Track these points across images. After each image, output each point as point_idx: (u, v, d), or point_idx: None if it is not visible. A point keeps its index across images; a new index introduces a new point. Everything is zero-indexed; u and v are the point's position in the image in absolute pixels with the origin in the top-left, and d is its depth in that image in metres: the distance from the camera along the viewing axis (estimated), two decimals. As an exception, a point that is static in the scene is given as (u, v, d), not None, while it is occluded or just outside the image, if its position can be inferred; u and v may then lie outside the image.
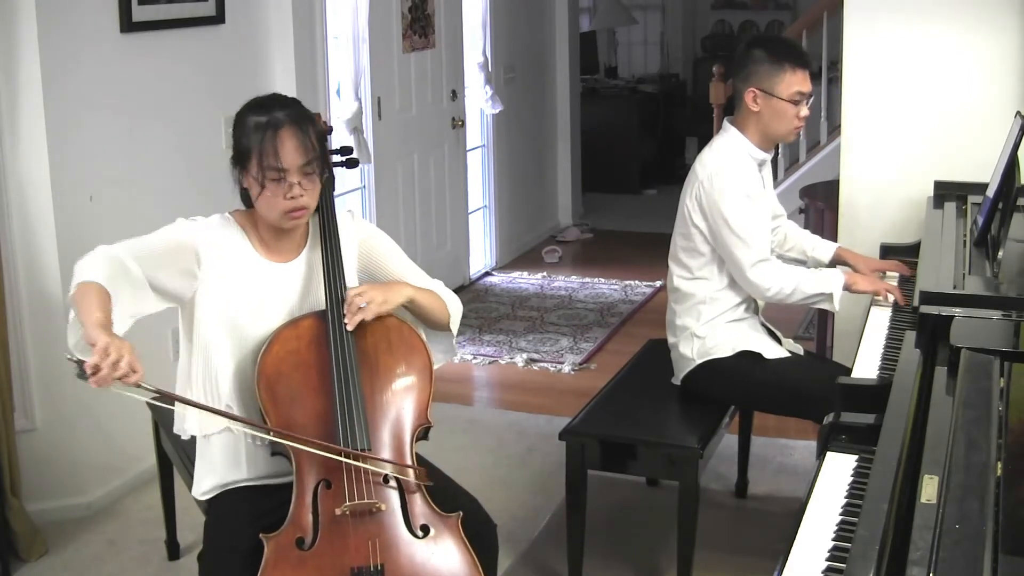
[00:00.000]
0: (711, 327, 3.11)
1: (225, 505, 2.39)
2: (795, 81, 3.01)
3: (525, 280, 6.58)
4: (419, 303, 2.45)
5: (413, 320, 2.50)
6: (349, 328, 2.32)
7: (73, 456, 3.61)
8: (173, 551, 3.36)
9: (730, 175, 3.02)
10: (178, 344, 2.37)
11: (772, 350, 3.12)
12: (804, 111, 3.05)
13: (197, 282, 2.33)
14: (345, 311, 2.33)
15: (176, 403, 2.33)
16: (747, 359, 3.09)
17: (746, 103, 3.06)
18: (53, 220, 3.45)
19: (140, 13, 3.68)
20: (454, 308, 2.55)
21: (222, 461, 2.40)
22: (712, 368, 3.12)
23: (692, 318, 3.14)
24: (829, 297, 3.03)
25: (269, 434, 2.27)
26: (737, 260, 3.02)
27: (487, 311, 5.89)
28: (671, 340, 3.22)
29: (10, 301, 3.40)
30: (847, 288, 3.05)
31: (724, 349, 3.11)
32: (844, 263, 3.28)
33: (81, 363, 1.99)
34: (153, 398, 2.20)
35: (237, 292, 2.35)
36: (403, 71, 5.58)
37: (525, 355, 5.17)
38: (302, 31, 4.52)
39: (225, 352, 2.35)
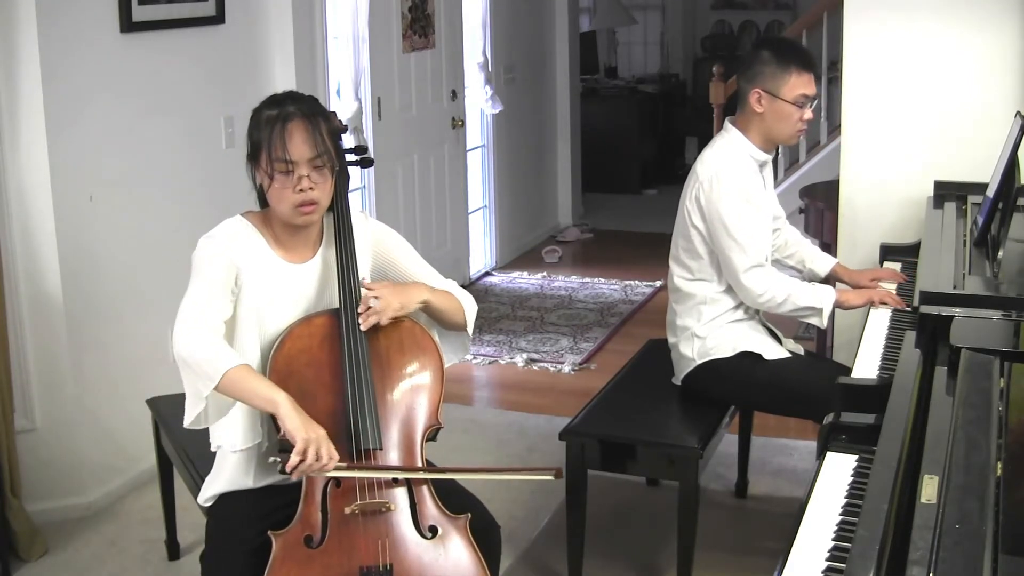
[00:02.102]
0: (712, 327, 3.11)
1: (228, 505, 2.39)
2: (800, 84, 3.00)
3: (525, 280, 6.57)
4: (435, 306, 2.44)
5: (427, 321, 2.49)
6: (363, 329, 2.32)
7: (73, 456, 3.61)
8: (173, 551, 3.36)
9: (731, 178, 3.01)
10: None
11: (772, 350, 3.12)
12: (808, 114, 3.04)
13: (234, 295, 2.33)
14: (360, 310, 2.33)
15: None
16: (747, 359, 3.09)
17: (750, 104, 3.05)
18: (53, 220, 3.45)
19: (140, 13, 3.68)
20: (469, 308, 2.54)
21: (233, 471, 2.39)
22: (712, 368, 3.12)
23: (693, 318, 3.13)
24: (819, 312, 3.03)
25: (351, 471, 2.25)
26: (732, 264, 3.02)
27: (487, 311, 5.88)
28: (671, 340, 3.22)
29: (10, 301, 3.40)
30: (839, 305, 3.04)
31: (724, 349, 3.10)
32: (840, 279, 3.26)
33: (284, 462, 2.14)
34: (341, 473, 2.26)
35: (261, 295, 2.35)
36: (403, 71, 5.58)
37: (525, 355, 5.17)
38: (302, 31, 4.52)
39: (255, 356, 2.34)
